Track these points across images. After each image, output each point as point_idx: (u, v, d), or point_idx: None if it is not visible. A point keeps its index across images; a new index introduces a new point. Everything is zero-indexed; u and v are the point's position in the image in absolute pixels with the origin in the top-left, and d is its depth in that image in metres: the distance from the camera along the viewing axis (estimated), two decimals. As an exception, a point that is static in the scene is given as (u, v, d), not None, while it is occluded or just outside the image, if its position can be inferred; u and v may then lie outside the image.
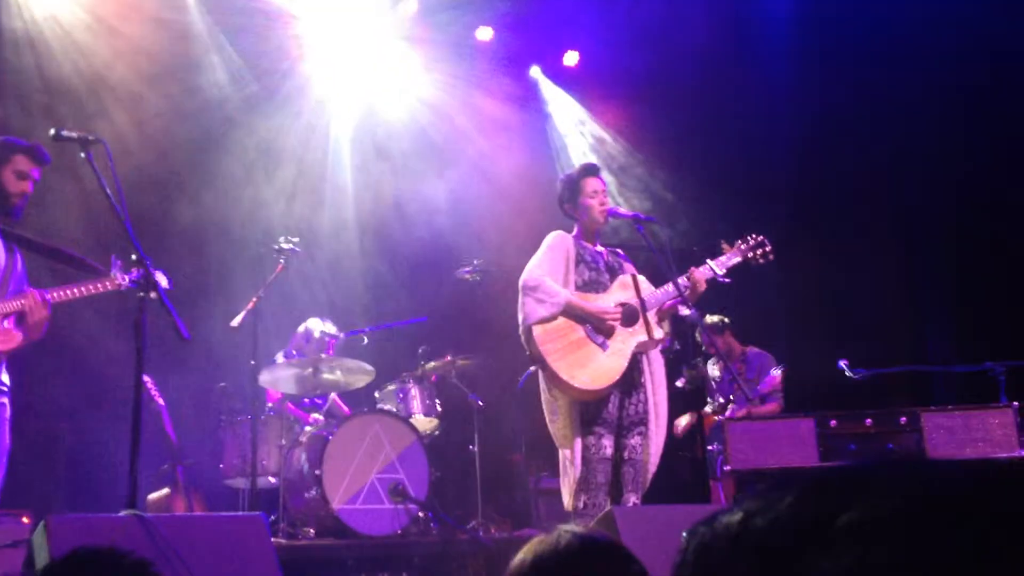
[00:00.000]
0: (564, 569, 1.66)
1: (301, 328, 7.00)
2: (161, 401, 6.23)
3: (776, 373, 6.85)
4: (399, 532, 6.09)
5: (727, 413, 6.85)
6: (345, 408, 7.23)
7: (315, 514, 6.09)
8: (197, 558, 3.10)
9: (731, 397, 6.93)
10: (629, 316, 4.81)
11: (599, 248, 5.06)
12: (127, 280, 4.12)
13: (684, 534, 0.59)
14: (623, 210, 5.17)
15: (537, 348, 4.67)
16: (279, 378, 6.58)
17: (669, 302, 4.87)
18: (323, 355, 6.60)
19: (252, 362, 6.14)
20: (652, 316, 4.83)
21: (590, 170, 5.16)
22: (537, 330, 4.69)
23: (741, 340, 7.37)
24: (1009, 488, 0.52)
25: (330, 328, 6.95)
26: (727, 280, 4.96)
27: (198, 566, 3.07)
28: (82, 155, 4.15)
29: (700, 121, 8.31)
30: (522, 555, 1.72)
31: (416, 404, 6.80)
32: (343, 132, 8.56)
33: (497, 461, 7.18)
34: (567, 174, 5.25)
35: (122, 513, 3.22)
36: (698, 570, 0.56)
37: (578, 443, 4.66)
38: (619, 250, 5.21)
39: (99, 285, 4.21)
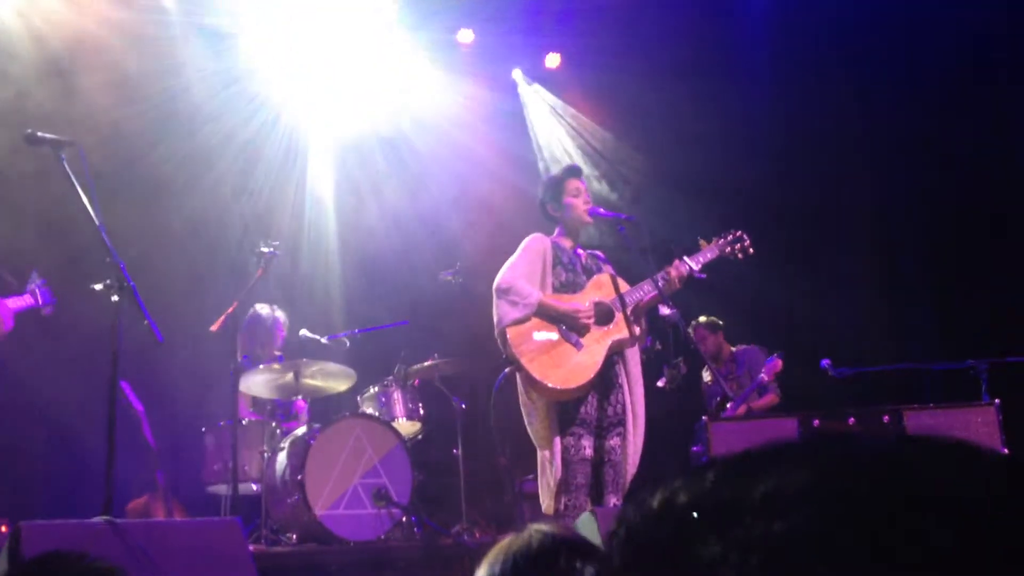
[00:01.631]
0: (538, 569, 1.63)
1: (251, 315, 6.89)
2: (139, 406, 6.18)
3: (773, 362, 6.86)
4: (382, 537, 6.05)
5: (726, 412, 6.85)
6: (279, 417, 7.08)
7: (297, 520, 6.04)
8: (172, 564, 3.07)
9: (726, 396, 6.93)
10: (604, 315, 4.80)
11: (578, 251, 5.05)
12: (40, 299, 4.07)
13: (615, 518, 0.58)
14: (604, 211, 5.16)
15: (512, 350, 4.67)
16: (259, 383, 6.54)
17: (647, 298, 4.87)
18: (304, 359, 6.56)
19: (232, 367, 6.10)
20: (630, 313, 4.83)
21: (573, 171, 5.18)
22: (512, 332, 4.69)
23: (731, 341, 7.42)
24: (922, 459, 0.51)
25: (278, 313, 6.92)
26: (703, 276, 4.97)
27: (173, 572, 3.04)
28: (58, 157, 4.12)
29: (682, 122, 8.31)
30: (493, 557, 1.68)
31: (399, 408, 6.76)
32: (322, 135, 8.52)
33: (481, 464, 7.15)
34: (549, 175, 5.26)
35: (95, 519, 3.19)
36: (627, 549, 0.55)
37: (557, 444, 4.65)
38: (599, 252, 5.20)
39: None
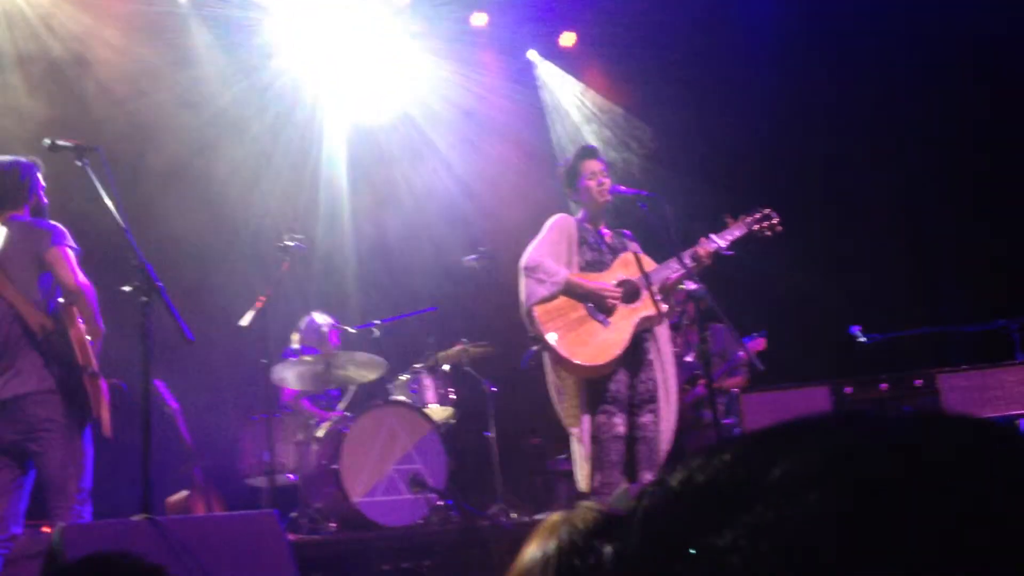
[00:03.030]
0: (588, 546, 1.61)
1: (302, 323, 6.98)
2: (174, 404, 6.26)
3: (756, 341, 6.73)
4: (420, 522, 6.10)
5: (695, 388, 6.78)
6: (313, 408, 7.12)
7: (336, 508, 6.11)
8: (211, 558, 3.12)
9: (696, 375, 6.84)
10: (631, 293, 4.80)
11: (603, 230, 5.05)
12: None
13: (636, 496, 0.59)
14: (624, 188, 5.14)
15: (539, 328, 4.69)
16: (292, 375, 6.59)
17: (674, 276, 4.86)
18: (333, 349, 6.60)
19: (264, 360, 6.15)
20: (656, 291, 4.82)
21: (587, 152, 5.16)
22: (538, 310, 4.70)
23: (748, 319, 7.34)
24: (933, 441, 0.51)
25: (329, 319, 6.99)
26: (731, 253, 4.95)
27: (213, 566, 3.08)
28: (78, 164, 4.16)
29: (702, 95, 8.26)
30: (544, 533, 1.66)
31: (430, 394, 6.80)
32: (338, 124, 8.52)
33: (514, 446, 7.18)
34: (565, 159, 5.25)
35: (135, 518, 3.24)
36: (648, 528, 0.55)
37: (586, 422, 4.67)
38: (626, 231, 5.20)
39: None
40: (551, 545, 1.60)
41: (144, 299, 3.96)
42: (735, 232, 5.03)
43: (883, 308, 7.34)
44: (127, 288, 4.10)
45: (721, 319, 5.07)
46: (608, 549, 0.60)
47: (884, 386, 5.86)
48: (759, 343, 6.79)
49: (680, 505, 0.54)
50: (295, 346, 6.97)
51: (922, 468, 0.49)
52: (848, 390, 5.86)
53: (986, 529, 0.46)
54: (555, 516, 1.68)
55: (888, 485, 0.48)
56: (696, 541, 0.51)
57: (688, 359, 6.78)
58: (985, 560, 0.46)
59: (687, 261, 4.80)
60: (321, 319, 6.99)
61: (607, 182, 4.99)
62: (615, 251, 4.97)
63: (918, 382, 5.78)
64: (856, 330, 6.45)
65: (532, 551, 1.62)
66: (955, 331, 6.88)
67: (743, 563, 0.48)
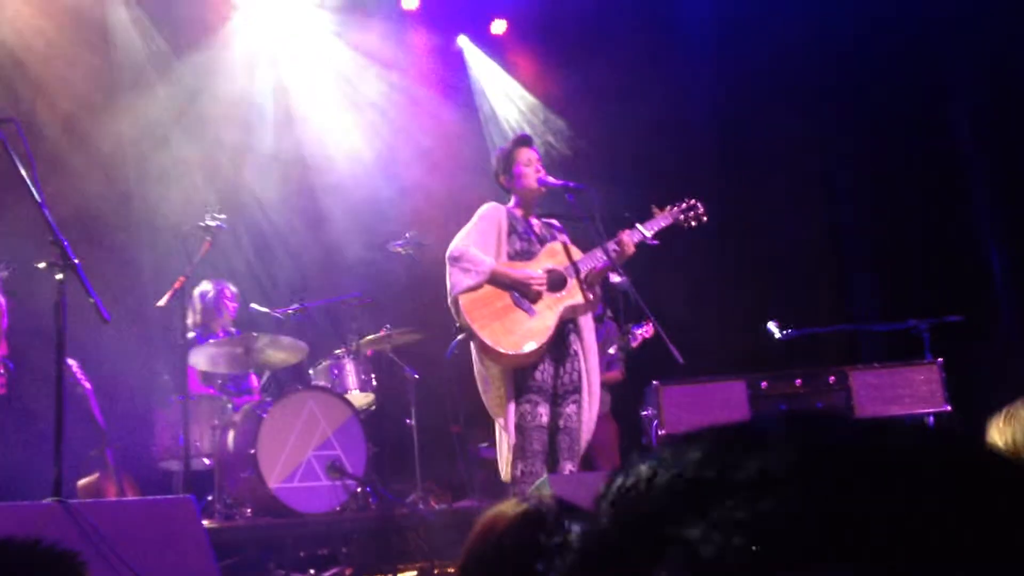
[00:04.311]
0: (528, 528, 1.61)
1: (195, 294, 6.81)
2: (87, 384, 6.10)
3: (645, 327, 6.81)
4: (338, 509, 6.06)
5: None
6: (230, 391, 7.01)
7: (252, 494, 6.03)
8: (126, 544, 3.05)
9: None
10: (556, 282, 4.84)
11: (533, 220, 5.07)
12: None
13: (604, 481, 0.59)
14: (553, 179, 5.16)
15: (464, 317, 4.70)
16: (209, 357, 6.48)
17: (600, 266, 4.91)
18: (254, 332, 6.51)
19: (181, 342, 6.04)
20: (583, 280, 4.87)
21: (523, 140, 5.18)
22: (464, 299, 4.72)
23: (668, 309, 7.45)
24: (903, 440, 0.53)
25: (210, 287, 6.85)
26: (656, 243, 5.01)
27: (127, 552, 3.02)
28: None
29: (626, 86, 8.32)
30: (488, 518, 1.66)
31: (351, 380, 6.75)
32: (265, 103, 8.39)
33: (435, 434, 7.17)
34: (501, 147, 5.26)
35: (46, 501, 3.15)
36: (617, 513, 0.56)
37: (511, 411, 4.70)
38: (554, 221, 5.22)
39: None
40: (516, 512, 1.60)
41: (59, 276, 3.85)
42: (660, 222, 5.09)
43: (799, 305, 7.51)
44: (42, 265, 3.98)
45: (644, 312, 5.13)
46: (576, 528, 0.60)
47: (798, 381, 6.01)
48: (648, 330, 6.86)
49: (649, 498, 0.54)
50: (190, 327, 6.75)
51: (894, 467, 0.51)
52: (764, 384, 5.99)
53: (964, 532, 0.48)
54: (505, 503, 1.68)
55: (862, 481, 0.50)
56: (666, 532, 0.52)
57: (611, 351, 6.85)
58: (946, 556, 0.47)
59: (612, 251, 4.85)
60: (206, 286, 6.85)
61: (541, 171, 5.01)
62: (543, 241, 4.99)
63: (831, 378, 5.93)
64: (773, 326, 6.59)
65: (495, 518, 1.63)
66: (868, 330, 7.08)
67: (716, 554, 0.49)
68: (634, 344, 6.87)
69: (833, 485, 0.50)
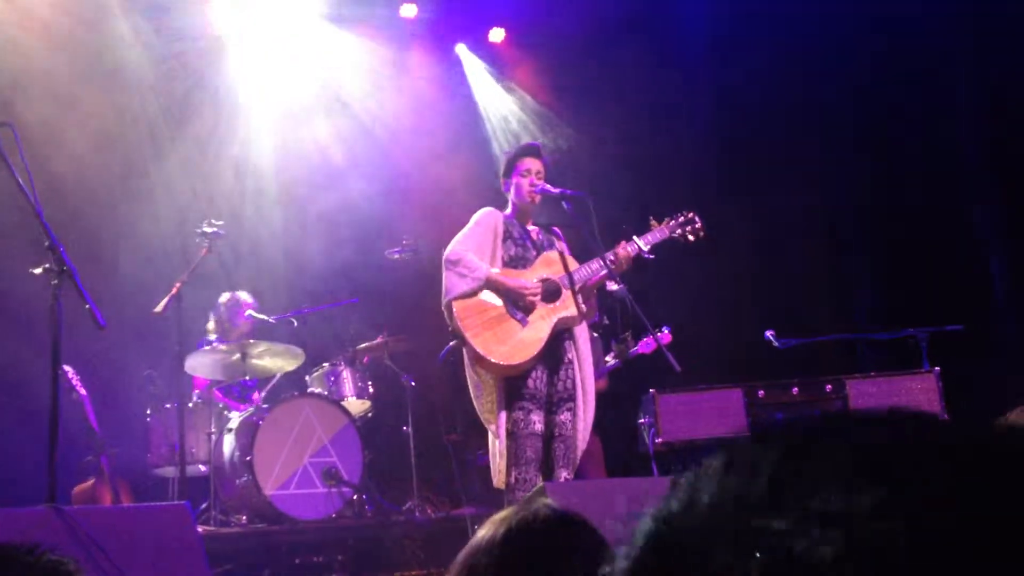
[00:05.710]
0: (539, 543, 1.59)
1: (224, 299, 6.86)
2: (83, 391, 6.09)
3: (664, 335, 6.80)
4: (333, 516, 6.05)
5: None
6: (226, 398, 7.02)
7: (247, 501, 6.02)
8: (120, 550, 3.04)
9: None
10: (550, 292, 4.82)
11: (530, 226, 5.06)
12: None
13: (673, 483, 0.57)
14: (551, 187, 5.15)
15: (458, 323, 4.69)
16: (206, 364, 6.47)
17: (595, 277, 4.90)
18: (250, 340, 6.50)
19: (177, 348, 6.03)
20: (578, 291, 4.85)
21: (528, 150, 5.15)
22: (457, 305, 4.71)
23: (670, 317, 7.45)
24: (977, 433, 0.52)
25: (245, 296, 6.89)
26: (651, 256, 5.00)
27: (122, 559, 3.01)
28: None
29: (627, 97, 8.33)
30: (492, 524, 1.63)
31: (348, 387, 6.74)
32: (264, 112, 8.38)
33: (431, 441, 7.16)
34: (508, 152, 5.25)
35: (40, 507, 3.14)
36: (655, 547, 0.54)
37: (503, 418, 4.69)
38: (556, 229, 5.20)
39: None
40: (494, 534, 1.58)
41: (55, 282, 3.84)
42: (657, 236, 5.08)
43: (797, 314, 7.51)
44: (37, 270, 3.97)
45: (641, 320, 5.12)
46: (644, 528, 0.58)
47: (795, 390, 6.00)
48: (656, 340, 6.87)
49: (700, 527, 0.52)
50: (211, 335, 6.85)
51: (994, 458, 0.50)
52: (760, 393, 5.99)
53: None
54: (513, 507, 1.66)
55: (974, 479, 0.49)
56: (753, 523, 0.50)
57: (608, 360, 6.84)
58: None
59: (609, 262, 4.84)
60: (225, 297, 6.88)
61: (537, 182, 4.97)
62: (540, 248, 4.98)
63: (828, 387, 5.93)
64: (770, 335, 6.59)
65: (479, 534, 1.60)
66: (865, 339, 7.07)
67: (809, 546, 0.48)
68: (632, 354, 6.86)
69: (923, 472, 0.49)
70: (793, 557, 0.48)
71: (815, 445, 0.53)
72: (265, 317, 6.93)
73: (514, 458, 4.67)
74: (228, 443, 6.20)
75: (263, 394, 6.88)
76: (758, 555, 0.49)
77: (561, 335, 4.84)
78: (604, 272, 4.86)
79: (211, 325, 6.87)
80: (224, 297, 6.89)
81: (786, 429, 0.56)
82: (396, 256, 7.05)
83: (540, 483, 4.51)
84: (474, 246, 4.82)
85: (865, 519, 0.48)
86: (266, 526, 5.90)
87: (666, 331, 6.78)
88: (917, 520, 0.48)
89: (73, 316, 4.03)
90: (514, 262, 4.88)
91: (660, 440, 5.91)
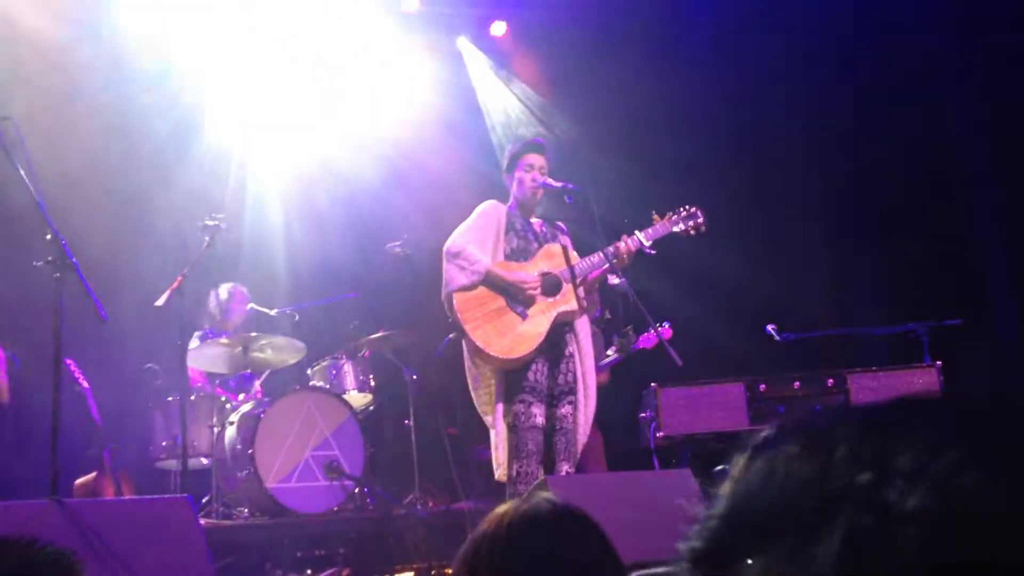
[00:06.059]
0: (540, 537, 1.58)
1: (213, 293, 6.87)
2: (85, 384, 6.09)
3: (664, 330, 6.81)
4: (335, 509, 6.06)
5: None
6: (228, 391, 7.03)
7: (249, 494, 6.02)
8: (123, 543, 3.04)
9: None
10: (551, 285, 4.83)
11: (533, 220, 5.06)
12: None
13: (723, 476, 0.57)
14: (553, 182, 5.16)
15: (457, 316, 4.71)
16: (207, 357, 6.47)
17: (597, 271, 4.90)
18: (252, 333, 6.50)
19: (179, 342, 6.02)
20: (578, 285, 4.86)
21: (532, 145, 5.18)
22: (458, 298, 4.72)
23: (672, 310, 7.45)
24: None
25: (228, 289, 6.89)
26: (653, 252, 5.00)
27: (124, 551, 3.01)
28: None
29: (629, 92, 8.31)
30: (495, 521, 1.62)
31: (349, 380, 6.74)
32: (264, 106, 8.37)
33: (433, 435, 7.15)
34: (512, 147, 5.26)
35: (42, 500, 3.15)
36: (730, 524, 0.54)
37: (500, 411, 4.70)
38: (560, 223, 5.21)
39: None
40: (495, 528, 1.57)
41: (57, 275, 3.84)
42: (659, 230, 5.08)
43: (799, 309, 7.50)
44: (39, 263, 3.97)
45: (643, 315, 5.12)
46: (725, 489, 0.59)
47: (797, 384, 6.01)
48: (656, 335, 6.87)
49: (781, 504, 0.53)
50: (206, 323, 6.84)
51: None
52: (762, 387, 5.99)
53: None
54: (514, 501, 1.65)
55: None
56: (839, 485, 0.51)
57: (608, 354, 6.84)
58: None
59: (610, 256, 4.84)
60: (222, 287, 6.88)
61: (539, 177, 4.98)
62: (542, 240, 4.98)
63: (830, 381, 5.94)
64: (772, 329, 6.59)
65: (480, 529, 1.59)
66: (867, 333, 7.07)
67: (902, 499, 0.48)
68: (633, 348, 6.85)
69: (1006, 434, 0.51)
70: (884, 506, 0.49)
71: (892, 420, 0.54)
72: (266, 310, 6.93)
73: (515, 451, 4.68)
74: (230, 436, 6.21)
75: (258, 383, 6.89)
76: (849, 509, 0.50)
77: (562, 328, 4.84)
78: (605, 266, 4.87)
79: (207, 317, 6.85)
80: (223, 288, 6.88)
81: (858, 410, 0.56)
82: (397, 249, 7.05)
83: (541, 476, 4.52)
84: (475, 239, 4.82)
85: (949, 474, 0.49)
86: (268, 519, 5.91)
87: (667, 326, 6.78)
88: (994, 476, 0.49)
89: (75, 309, 4.03)
90: (516, 254, 4.88)
91: (661, 434, 5.92)
